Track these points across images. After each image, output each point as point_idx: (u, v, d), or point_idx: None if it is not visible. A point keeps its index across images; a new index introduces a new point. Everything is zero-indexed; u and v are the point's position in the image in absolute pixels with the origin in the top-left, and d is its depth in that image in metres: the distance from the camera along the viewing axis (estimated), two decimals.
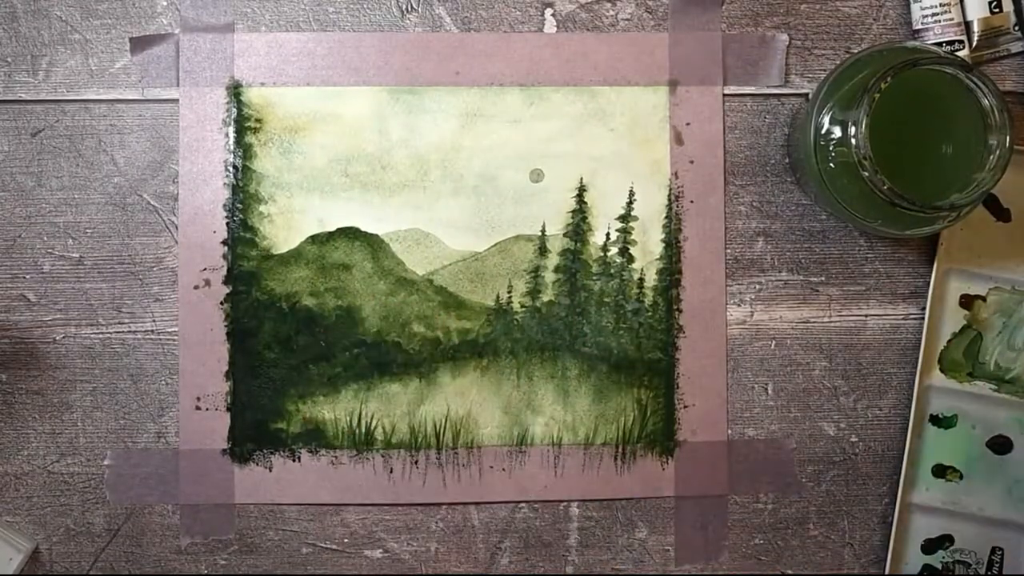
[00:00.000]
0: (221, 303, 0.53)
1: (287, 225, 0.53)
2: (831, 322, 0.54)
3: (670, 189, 0.54)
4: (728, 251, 0.54)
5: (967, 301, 0.54)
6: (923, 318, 0.53)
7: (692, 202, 0.54)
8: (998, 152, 0.45)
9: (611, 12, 0.54)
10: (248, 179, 0.53)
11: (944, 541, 0.54)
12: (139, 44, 0.53)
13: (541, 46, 0.53)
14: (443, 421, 0.53)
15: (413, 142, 0.53)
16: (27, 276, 0.53)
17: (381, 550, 0.53)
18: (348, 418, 0.53)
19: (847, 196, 0.47)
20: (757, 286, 0.54)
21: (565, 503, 0.54)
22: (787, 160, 0.54)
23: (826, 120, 0.48)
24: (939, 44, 0.52)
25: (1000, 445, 0.54)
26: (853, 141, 0.45)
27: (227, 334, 0.53)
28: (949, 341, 0.54)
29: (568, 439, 0.53)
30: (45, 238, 0.53)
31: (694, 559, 0.54)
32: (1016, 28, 0.53)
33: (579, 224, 0.54)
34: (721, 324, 0.54)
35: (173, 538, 0.53)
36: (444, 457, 0.53)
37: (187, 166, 0.53)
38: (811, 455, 0.54)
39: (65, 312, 0.53)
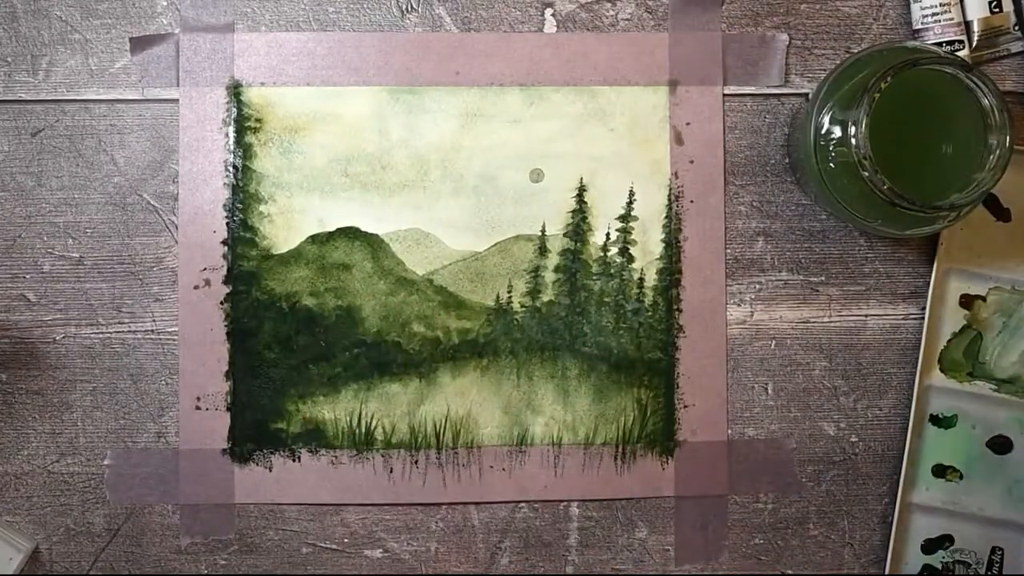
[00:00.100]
0: (221, 303, 0.53)
1: (287, 225, 0.53)
2: (831, 322, 0.54)
3: (670, 189, 0.54)
4: (728, 251, 0.54)
5: (967, 301, 0.54)
6: (923, 318, 0.53)
7: (692, 202, 0.54)
8: (998, 152, 0.45)
9: (611, 12, 0.54)
10: (248, 179, 0.53)
11: (944, 541, 0.54)
12: (139, 44, 0.53)
13: (541, 46, 0.53)
14: (443, 421, 0.53)
15: (413, 142, 0.53)
16: (27, 276, 0.53)
17: (381, 550, 0.53)
18: (348, 418, 0.53)
19: (847, 196, 0.47)
20: (757, 286, 0.54)
21: (565, 503, 0.54)
22: (787, 160, 0.54)
23: (826, 120, 0.48)
24: (939, 44, 0.52)
25: (1000, 445, 0.54)
26: (853, 141, 0.45)
27: (227, 334, 0.53)
28: (949, 341, 0.54)
29: (568, 439, 0.53)
30: (45, 238, 0.53)
31: (694, 559, 0.54)
32: (1016, 28, 0.53)
33: (579, 224, 0.54)
34: (721, 324, 0.54)
35: (173, 538, 0.53)
36: (444, 457, 0.53)
37: (187, 166, 0.53)
38: (811, 455, 0.54)
39: (65, 312, 0.53)
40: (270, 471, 0.53)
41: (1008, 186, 0.52)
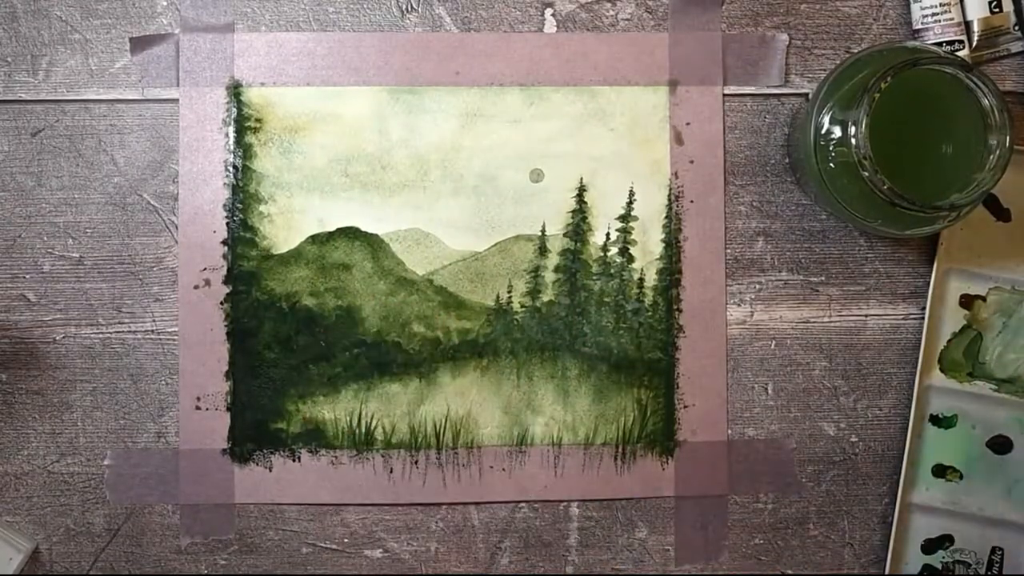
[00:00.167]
0: (221, 303, 0.53)
1: (287, 225, 0.53)
2: (831, 322, 0.54)
3: (670, 189, 0.54)
4: (728, 251, 0.54)
5: (967, 301, 0.54)
6: (923, 318, 0.53)
7: (692, 202, 0.54)
8: (998, 152, 0.45)
9: (611, 12, 0.54)
10: (248, 179, 0.53)
11: (944, 541, 0.54)
12: (139, 44, 0.53)
13: (541, 46, 0.53)
14: (443, 421, 0.53)
15: (413, 142, 0.53)
16: (27, 276, 0.53)
17: (381, 550, 0.53)
18: (348, 418, 0.53)
19: (847, 196, 0.47)
20: (757, 286, 0.54)
21: (565, 503, 0.54)
22: (787, 160, 0.54)
23: (826, 120, 0.48)
24: (939, 44, 0.52)
25: (1000, 445, 0.54)
26: (853, 141, 0.45)
27: (227, 334, 0.53)
28: (949, 341, 0.54)
29: (568, 439, 0.53)
30: (45, 238, 0.53)
31: (694, 559, 0.54)
32: (1016, 28, 0.53)
33: (579, 224, 0.54)
34: (721, 324, 0.54)
35: (173, 538, 0.53)
36: (444, 457, 0.53)
37: (187, 166, 0.53)
38: (811, 455, 0.54)
39: (65, 312, 0.53)
40: (270, 471, 0.53)
41: (1008, 186, 0.52)
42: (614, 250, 0.54)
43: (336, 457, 0.53)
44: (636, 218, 0.54)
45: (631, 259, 0.54)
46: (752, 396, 0.54)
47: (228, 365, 0.53)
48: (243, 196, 0.53)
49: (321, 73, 0.53)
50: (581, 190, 0.54)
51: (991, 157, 0.45)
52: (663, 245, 0.54)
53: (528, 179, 0.53)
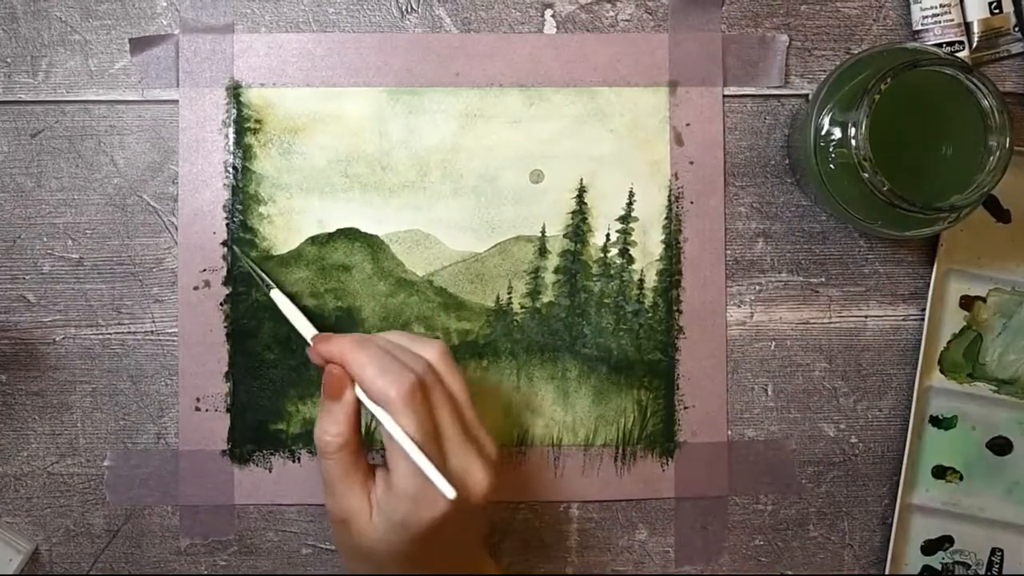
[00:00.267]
0: (221, 304, 0.53)
1: (287, 226, 0.53)
2: (831, 323, 0.54)
3: (670, 190, 0.54)
4: (728, 252, 0.54)
5: (967, 302, 0.54)
6: (923, 319, 0.53)
7: (692, 203, 0.54)
8: (998, 153, 0.45)
9: (611, 13, 0.54)
10: (248, 180, 0.53)
11: (944, 542, 0.54)
12: (139, 45, 0.53)
13: (541, 47, 0.53)
14: None
15: (413, 143, 0.53)
16: (27, 277, 0.53)
17: None
18: None
19: (847, 197, 0.47)
20: (757, 287, 0.54)
21: (565, 504, 0.54)
22: (787, 161, 0.54)
23: (826, 121, 0.48)
24: (939, 45, 0.52)
25: (1000, 446, 0.54)
26: (853, 142, 0.45)
27: (227, 335, 0.53)
28: (949, 342, 0.54)
29: (568, 440, 0.53)
30: (45, 239, 0.53)
31: (694, 560, 0.54)
32: (1016, 29, 0.53)
33: (579, 225, 0.54)
34: (721, 325, 0.54)
35: (173, 539, 0.53)
36: None
37: (187, 167, 0.53)
38: (811, 456, 0.54)
39: (65, 313, 0.53)
40: (270, 472, 0.53)
41: (1008, 187, 0.52)
42: (614, 251, 0.54)
43: None
44: (636, 219, 0.54)
45: (631, 260, 0.54)
46: (752, 397, 0.54)
47: (228, 366, 0.53)
48: (243, 197, 0.53)
49: (321, 74, 0.53)
50: (581, 191, 0.54)
51: (991, 158, 0.45)
52: (663, 246, 0.54)
53: (528, 180, 0.53)
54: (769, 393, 0.54)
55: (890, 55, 0.47)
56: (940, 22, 0.52)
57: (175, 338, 0.53)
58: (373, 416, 0.42)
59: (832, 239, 0.54)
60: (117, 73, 0.53)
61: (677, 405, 0.53)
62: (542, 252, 0.54)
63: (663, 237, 0.54)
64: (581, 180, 0.54)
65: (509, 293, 0.53)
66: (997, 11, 0.52)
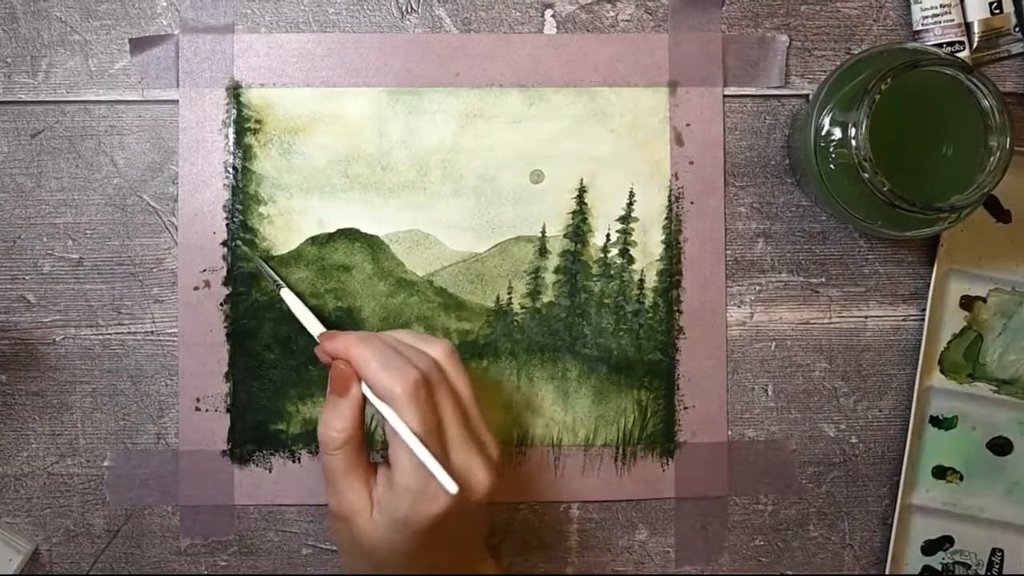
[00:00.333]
0: (221, 304, 0.53)
1: (287, 226, 0.53)
2: (831, 323, 0.54)
3: (670, 190, 0.54)
4: (728, 252, 0.54)
5: (967, 302, 0.54)
6: (923, 319, 0.53)
7: (692, 203, 0.54)
8: (998, 154, 0.45)
9: (611, 13, 0.54)
10: (248, 180, 0.53)
11: (944, 542, 0.54)
12: (139, 45, 0.53)
13: (541, 47, 0.53)
14: None
15: (413, 143, 0.53)
16: (27, 277, 0.53)
17: None
18: None
19: (847, 197, 0.47)
20: (757, 287, 0.54)
21: (565, 504, 0.54)
22: (787, 161, 0.54)
23: (826, 121, 0.48)
24: (939, 45, 0.52)
25: (1000, 446, 0.54)
26: (853, 142, 0.45)
27: (227, 335, 0.53)
28: (949, 342, 0.54)
29: (568, 440, 0.53)
30: (45, 239, 0.53)
31: (694, 560, 0.54)
32: (1016, 29, 0.53)
33: (579, 225, 0.54)
34: (721, 325, 0.54)
35: (173, 539, 0.53)
36: None
37: (187, 167, 0.53)
38: (811, 456, 0.54)
39: (65, 313, 0.53)
40: (270, 472, 0.53)
41: (1008, 188, 0.52)
42: (614, 251, 0.54)
43: None
44: (636, 219, 0.54)
45: (631, 260, 0.54)
46: (752, 397, 0.54)
47: (228, 366, 0.53)
48: (243, 197, 0.53)
49: (321, 74, 0.53)
50: (581, 191, 0.54)
51: (991, 159, 0.45)
52: (663, 246, 0.54)
53: (528, 180, 0.53)
54: (769, 393, 0.54)
55: (890, 55, 0.47)
56: (940, 22, 0.52)
57: (175, 338, 0.53)
58: (375, 415, 0.42)
59: (832, 239, 0.54)
60: (117, 73, 0.53)
61: (677, 405, 0.53)
62: (542, 252, 0.54)
63: (663, 237, 0.54)
64: (581, 180, 0.54)
65: (509, 293, 0.53)
66: (997, 11, 0.52)
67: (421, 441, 0.41)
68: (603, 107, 0.53)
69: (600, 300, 0.54)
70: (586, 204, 0.54)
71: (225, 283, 0.53)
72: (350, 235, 0.53)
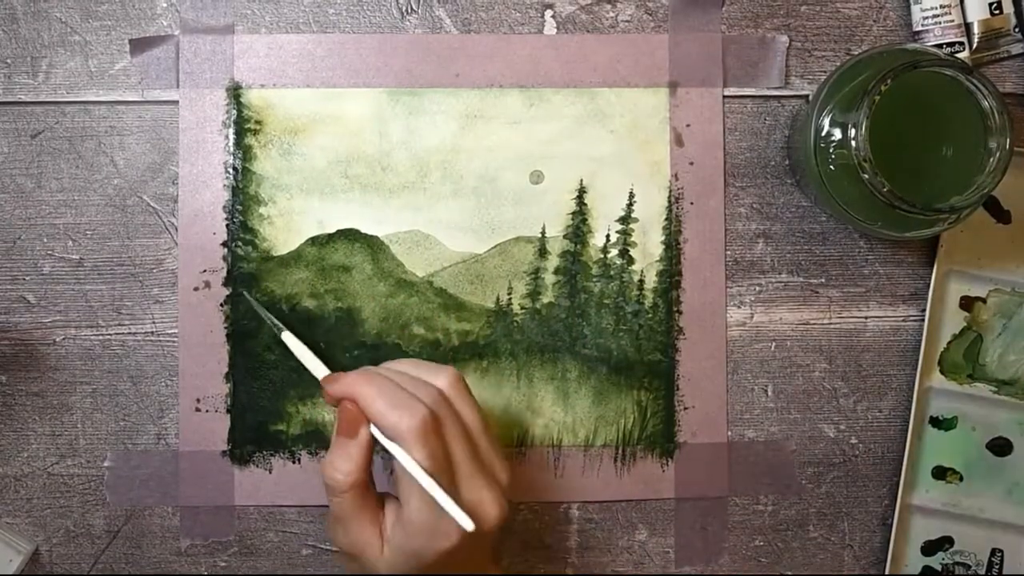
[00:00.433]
0: (221, 305, 0.53)
1: (287, 227, 0.53)
2: (831, 324, 0.54)
3: (670, 191, 0.54)
4: (728, 253, 0.54)
5: (967, 303, 0.54)
6: (923, 320, 0.53)
7: (692, 204, 0.54)
8: (998, 154, 0.45)
9: (611, 14, 0.54)
10: (248, 181, 0.53)
11: (944, 543, 0.54)
12: (139, 46, 0.53)
13: (541, 48, 0.53)
14: None
15: (413, 144, 0.53)
16: (27, 278, 0.53)
17: None
18: None
19: (847, 198, 0.47)
20: (757, 288, 0.54)
21: (565, 505, 0.54)
22: (787, 162, 0.54)
23: (826, 122, 0.48)
24: (939, 46, 0.52)
25: (1000, 447, 0.54)
26: (853, 143, 0.45)
27: (227, 336, 0.53)
28: (949, 343, 0.54)
29: (568, 441, 0.53)
30: (45, 240, 0.53)
31: (694, 561, 0.54)
32: (1016, 30, 0.53)
33: (579, 226, 0.54)
34: (721, 326, 0.54)
35: (173, 540, 0.53)
36: None
37: (187, 168, 0.53)
38: (811, 457, 0.54)
39: (65, 314, 0.53)
40: (270, 473, 0.53)
41: (1008, 188, 0.52)
42: (614, 252, 0.54)
43: None
44: (636, 220, 0.54)
45: (631, 261, 0.54)
46: (752, 398, 0.54)
47: (228, 367, 0.53)
48: (243, 198, 0.53)
49: (321, 75, 0.53)
50: (581, 192, 0.54)
51: (991, 159, 0.45)
52: (663, 247, 0.54)
53: (528, 181, 0.53)
54: (769, 394, 0.54)
55: (890, 56, 0.47)
56: (940, 23, 0.52)
57: (175, 339, 0.53)
58: (380, 450, 0.42)
59: (832, 240, 0.54)
60: (117, 74, 0.53)
61: (677, 406, 0.53)
62: (542, 253, 0.54)
63: (663, 238, 0.54)
64: (581, 181, 0.54)
65: (509, 294, 0.53)
66: (997, 12, 0.52)
67: (433, 478, 0.40)
68: (603, 108, 0.53)
69: (600, 301, 0.54)
70: (586, 205, 0.54)
71: (225, 284, 0.53)
72: (350, 236, 0.53)
